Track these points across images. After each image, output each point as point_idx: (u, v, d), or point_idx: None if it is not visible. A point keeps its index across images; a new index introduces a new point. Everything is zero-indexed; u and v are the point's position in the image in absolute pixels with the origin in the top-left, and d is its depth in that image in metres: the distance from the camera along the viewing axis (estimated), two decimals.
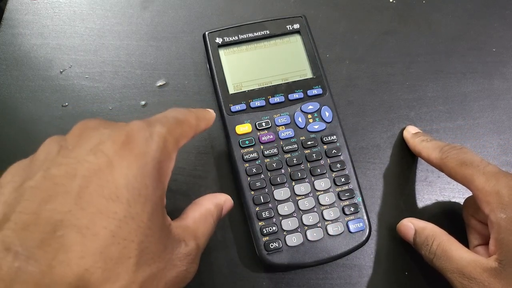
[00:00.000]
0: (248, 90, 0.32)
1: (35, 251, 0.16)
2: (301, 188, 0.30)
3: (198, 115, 0.25)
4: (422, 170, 0.34)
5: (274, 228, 0.29)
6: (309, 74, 0.33)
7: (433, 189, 0.33)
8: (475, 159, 0.26)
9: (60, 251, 0.16)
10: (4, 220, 0.17)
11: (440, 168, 0.29)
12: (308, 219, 0.29)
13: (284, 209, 0.29)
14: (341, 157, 0.31)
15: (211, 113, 0.27)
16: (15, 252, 0.15)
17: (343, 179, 0.30)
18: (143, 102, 0.35)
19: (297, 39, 0.34)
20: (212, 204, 0.25)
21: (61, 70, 0.36)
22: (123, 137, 0.20)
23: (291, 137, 0.31)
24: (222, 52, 0.33)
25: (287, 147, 0.31)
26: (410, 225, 0.29)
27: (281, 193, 0.29)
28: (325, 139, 0.31)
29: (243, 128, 0.31)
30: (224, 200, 0.26)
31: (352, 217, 0.29)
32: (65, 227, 0.16)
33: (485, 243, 0.27)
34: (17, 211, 0.17)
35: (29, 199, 0.17)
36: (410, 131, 0.33)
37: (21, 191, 0.18)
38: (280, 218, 0.29)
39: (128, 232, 0.17)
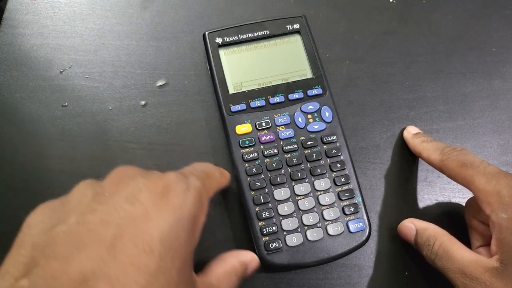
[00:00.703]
0: (248, 90, 0.32)
1: None
2: (301, 188, 0.30)
3: (221, 171, 0.27)
4: (422, 170, 0.34)
5: (274, 228, 0.29)
6: (309, 74, 0.33)
7: (433, 189, 0.33)
8: (476, 160, 0.26)
9: None
10: (33, 265, 0.16)
11: (441, 169, 0.29)
12: (308, 219, 0.29)
13: (284, 209, 0.29)
14: (341, 157, 0.31)
15: (227, 173, 0.29)
16: None
17: (343, 179, 0.30)
18: (143, 102, 0.35)
19: (297, 39, 0.34)
20: (237, 261, 0.25)
21: (61, 70, 0.36)
22: (160, 187, 0.19)
23: (291, 137, 0.31)
24: (222, 52, 0.33)
25: (287, 147, 0.31)
26: (411, 226, 0.29)
27: (281, 193, 0.29)
28: (325, 139, 0.31)
29: (243, 128, 0.31)
30: (250, 259, 0.26)
31: (352, 217, 0.29)
32: (96, 277, 0.16)
33: (487, 244, 0.27)
34: (47, 256, 0.16)
35: (60, 244, 0.17)
36: (411, 132, 0.33)
37: (51, 235, 0.17)
38: (280, 218, 0.29)
39: (158, 285, 0.17)
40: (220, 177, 0.26)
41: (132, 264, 0.16)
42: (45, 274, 0.16)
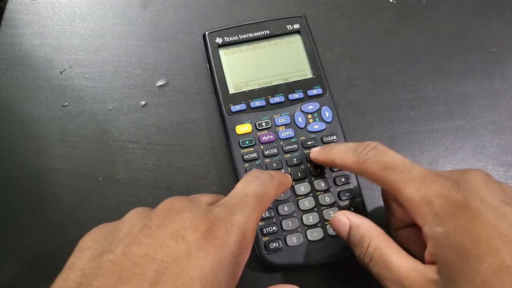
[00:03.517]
0: (248, 90, 0.32)
1: None
2: (301, 188, 0.30)
3: (279, 183, 0.25)
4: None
5: (274, 228, 0.29)
6: (309, 74, 0.33)
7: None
8: (397, 161, 0.23)
9: None
10: None
11: (360, 173, 0.25)
12: (308, 219, 0.29)
13: (284, 209, 0.29)
14: None
15: (290, 179, 0.27)
16: None
17: (343, 179, 0.30)
18: (143, 102, 0.35)
19: (297, 39, 0.34)
20: None
21: (61, 70, 0.36)
22: (205, 226, 0.19)
23: (291, 137, 0.31)
24: (222, 52, 0.33)
25: (287, 147, 0.31)
26: (344, 220, 0.25)
27: (281, 193, 0.29)
28: (325, 139, 0.31)
29: (243, 128, 0.31)
30: None
31: None
32: None
33: (407, 226, 0.26)
34: (93, 285, 0.17)
35: (106, 274, 0.17)
36: (315, 150, 0.30)
37: (99, 263, 0.18)
38: (280, 218, 0.29)
39: None
40: (275, 192, 0.24)
41: None
42: None
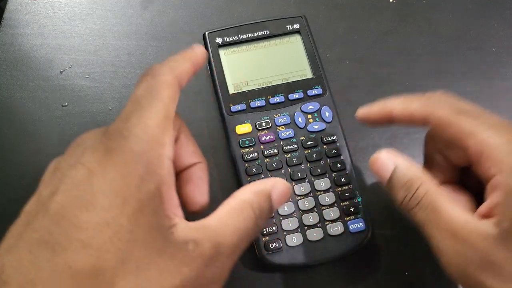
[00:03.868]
0: (248, 90, 0.32)
1: (10, 271, 0.16)
2: (301, 188, 0.30)
3: (172, 65, 0.22)
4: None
5: (274, 228, 0.29)
6: (309, 74, 0.33)
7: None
8: (472, 107, 0.21)
9: (31, 270, 0.16)
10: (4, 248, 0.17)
11: (427, 121, 0.23)
12: (308, 219, 0.29)
13: (284, 209, 0.29)
14: (341, 157, 0.31)
15: (198, 48, 0.23)
16: None
17: (343, 179, 0.30)
18: None
19: (297, 39, 0.34)
20: (251, 192, 0.20)
21: (61, 70, 0.36)
22: (102, 145, 0.18)
23: (291, 137, 0.31)
24: (222, 52, 0.33)
25: (287, 147, 0.31)
26: (390, 160, 0.23)
27: None
28: (325, 139, 0.31)
29: (243, 128, 0.31)
30: (271, 185, 0.21)
31: (352, 217, 0.29)
32: (38, 245, 0.16)
33: (447, 182, 0.24)
34: (7, 237, 0.17)
35: (19, 223, 0.18)
36: (362, 108, 0.27)
37: (17, 219, 0.18)
38: (280, 218, 0.29)
39: (102, 241, 0.16)
40: (173, 78, 0.21)
41: (73, 225, 0.16)
42: (3, 252, 0.17)
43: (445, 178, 0.25)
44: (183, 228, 0.18)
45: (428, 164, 0.26)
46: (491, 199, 0.20)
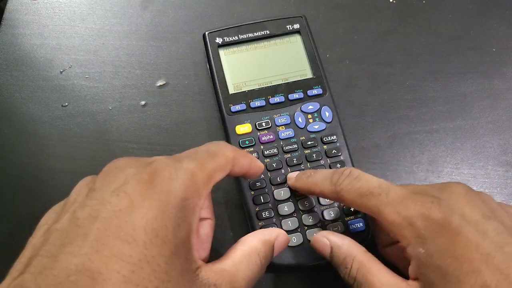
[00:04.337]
0: (248, 90, 0.32)
1: None
2: None
3: (237, 150, 0.24)
4: (422, 170, 0.34)
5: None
6: (309, 74, 0.33)
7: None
8: (373, 185, 0.23)
9: None
10: (28, 264, 0.17)
11: (339, 201, 0.26)
12: (308, 219, 0.29)
13: (284, 209, 0.29)
14: (341, 157, 0.31)
15: (257, 161, 0.26)
16: None
17: None
18: (143, 102, 0.35)
19: (297, 39, 0.34)
20: (259, 241, 0.23)
21: (61, 70, 0.36)
22: (147, 176, 0.19)
23: (291, 137, 0.31)
24: (222, 52, 0.33)
25: (287, 147, 0.31)
26: (325, 241, 0.25)
27: (281, 193, 0.29)
28: (325, 139, 0.31)
29: (243, 128, 0.31)
30: (275, 236, 0.24)
31: (352, 217, 0.29)
32: (78, 271, 0.16)
33: (394, 244, 0.26)
34: (39, 255, 0.17)
35: (52, 243, 0.17)
36: (292, 177, 0.29)
37: (47, 235, 0.18)
38: (280, 218, 0.29)
39: (142, 278, 0.17)
40: (233, 154, 0.23)
41: (115, 255, 0.16)
42: (34, 270, 0.16)
43: (391, 240, 0.26)
44: (206, 271, 0.20)
45: (375, 230, 0.27)
46: (411, 267, 0.21)
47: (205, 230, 0.24)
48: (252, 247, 0.22)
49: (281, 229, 0.25)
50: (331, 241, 0.25)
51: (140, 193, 0.18)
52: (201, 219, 0.24)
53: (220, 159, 0.22)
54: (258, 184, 0.29)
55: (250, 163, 0.25)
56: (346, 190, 0.24)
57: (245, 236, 0.23)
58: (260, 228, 0.28)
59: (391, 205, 0.22)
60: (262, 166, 0.27)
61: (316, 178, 0.26)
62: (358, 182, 0.24)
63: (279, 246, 0.24)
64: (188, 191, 0.19)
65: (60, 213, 0.19)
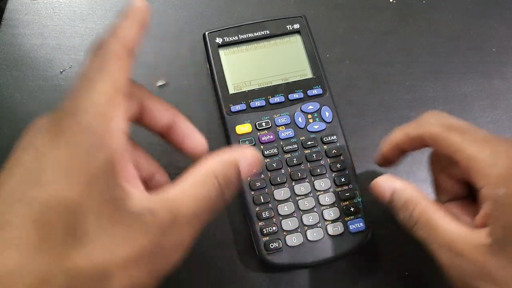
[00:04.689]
0: (248, 90, 0.32)
1: None
2: (301, 188, 0.30)
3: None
4: (422, 170, 0.34)
5: (274, 228, 0.29)
6: (309, 74, 0.33)
7: (433, 189, 0.33)
8: (461, 122, 0.23)
9: None
10: None
11: (423, 140, 0.24)
12: (308, 219, 0.29)
13: (284, 209, 0.29)
14: (341, 157, 0.31)
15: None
16: None
17: (343, 179, 0.30)
18: None
19: (297, 39, 0.34)
20: (217, 162, 0.20)
21: (61, 70, 0.36)
22: (52, 126, 0.18)
23: (291, 137, 0.31)
24: (222, 52, 0.33)
25: (287, 147, 0.31)
26: (388, 184, 0.25)
27: (281, 193, 0.29)
28: (325, 139, 0.31)
29: (243, 128, 0.31)
30: (239, 154, 0.21)
31: (352, 217, 0.29)
32: None
33: (455, 199, 0.25)
34: None
35: None
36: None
37: None
38: (280, 218, 0.29)
39: (51, 215, 0.16)
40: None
41: (21, 201, 0.16)
42: None
43: (452, 194, 0.26)
44: (139, 198, 0.18)
45: (436, 184, 0.27)
46: (483, 210, 0.21)
47: (182, 127, 0.23)
48: (207, 169, 0.19)
49: (248, 147, 0.22)
50: (394, 184, 0.25)
51: (48, 142, 0.17)
52: (170, 123, 0.23)
53: (110, 64, 0.19)
54: (258, 184, 0.29)
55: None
56: (432, 122, 0.24)
57: (201, 162, 0.20)
58: (261, 228, 0.28)
59: (477, 142, 0.21)
60: (145, 4, 0.20)
61: (399, 129, 0.26)
62: (447, 118, 0.24)
63: (247, 165, 0.21)
64: (92, 117, 0.17)
65: None
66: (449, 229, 0.21)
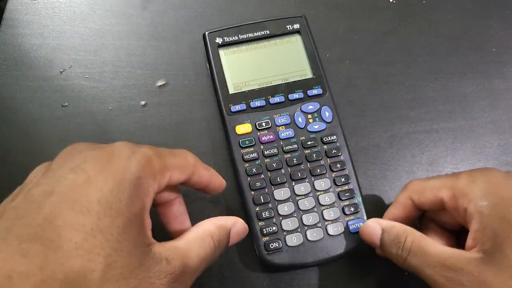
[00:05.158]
0: (248, 90, 0.32)
1: None
2: (301, 188, 0.30)
3: (201, 162, 0.25)
4: (422, 170, 0.34)
5: (274, 228, 0.29)
6: (309, 74, 0.33)
7: None
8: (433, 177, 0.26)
9: (20, 263, 0.16)
10: None
11: (412, 204, 0.27)
12: (308, 219, 0.29)
13: (284, 209, 0.29)
14: (341, 157, 0.31)
15: (220, 177, 0.27)
16: None
17: (343, 179, 0.30)
18: (143, 102, 0.35)
19: (297, 39, 0.34)
20: (214, 225, 0.24)
21: (61, 70, 0.36)
22: (105, 155, 0.20)
23: (291, 137, 0.31)
24: (222, 52, 0.33)
25: (287, 147, 0.31)
26: (376, 225, 0.26)
27: (281, 193, 0.29)
28: (325, 139, 0.31)
29: (243, 128, 0.31)
30: (232, 223, 0.25)
31: (352, 217, 0.29)
32: (30, 239, 0.17)
33: (447, 244, 0.26)
34: None
35: (6, 218, 0.18)
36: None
37: (1, 213, 0.18)
38: (280, 218, 0.29)
39: (94, 245, 0.17)
40: (194, 162, 0.24)
41: (68, 225, 0.17)
42: None
43: (445, 241, 0.27)
44: (159, 246, 0.20)
45: (427, 234, 0.28)
46: (471, 229, 0.23)
47: (178, 208, 0.26)
48: (206, 229, 0.23)
49: (240, 218, 0.25)
50: (381, 224, 0.26)
51: (97, 170, 0.19)
52: (171, 201, 0.25)
53: (180, 159, 0.23)
54: (258, 184, 0.29)
55: (211, 176, 0.26)
56: (413, 188, 0.27)
57: (201, 222, 0.24)
58: (261, 228, 0.28)
59: (453, 176, 0.25)
60: (223, 182, 0.27)
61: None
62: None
63: (236, 233, 0.25)
64: (144, 171, 0.20)
65: (15, 195, 0.20)
66: (441, 250, 0.23)
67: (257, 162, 0.30)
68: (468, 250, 0.22)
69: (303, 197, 0.29)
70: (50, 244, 0.17)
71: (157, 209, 0.26)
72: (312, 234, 0.29)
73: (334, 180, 0.30)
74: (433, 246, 0.23)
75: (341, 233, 0.29)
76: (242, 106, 0.32)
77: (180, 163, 0.23)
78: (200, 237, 0.23)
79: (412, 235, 0.24)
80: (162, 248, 0.20)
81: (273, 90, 0.32)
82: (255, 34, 0.34)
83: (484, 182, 0.23)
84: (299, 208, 0.29)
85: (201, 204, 0.31)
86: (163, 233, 0.24)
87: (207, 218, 0.30)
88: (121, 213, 0.19)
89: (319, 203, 0.29)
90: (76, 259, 0.17)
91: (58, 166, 0.20)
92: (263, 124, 0.31)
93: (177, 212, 0.26)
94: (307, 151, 0.31)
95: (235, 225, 0.25)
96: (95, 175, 0.19)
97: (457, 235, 0.27)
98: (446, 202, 0.25)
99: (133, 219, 0.19)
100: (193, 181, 0.25)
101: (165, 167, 0.22)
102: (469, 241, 0.23)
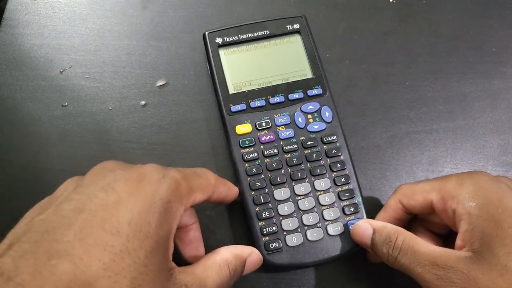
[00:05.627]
0: (248, 90, 0.32)
1: (25, 277, 0.16)
2: (301, 188, 0.30)
3: (219, 178, 0.26)
4: (422, 170, 0.34)
5: (274, 228, 0.29)
6: (309, 74, 0.33)
7: None
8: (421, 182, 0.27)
9: (49, 279, 0.16)
10: (7, 249, 0.17)
11: (402, 207, 0.28)
12: (308, 219, 0.29)
13: (284, 209, 0.29)
14: (341, 157, 0.31)
15: (233, 186, 0.28)
16: (8, 277, 0.16)
17: (343, 179, 0.30)
18: (143, 102, 0.35)
19: (297, 39, 0.34)
20: (231, 254, 0.24)
21: (61, 70, 0.36)
22: (136, 176, 0.20)
23: (291, 137, 0.31)
24: (222, 52, 0.33)
25: (287, 147, 0.31)
26: (367, 225, 0.27)
27: (281, 193, 0.29)
28: (325, 139, 0.31)
29: (243, 128, 0.31)
30: (248, 253, 0.25)
31: (352, 217, 0.29)
32: (59, 256, 0.17)
33: (438, 244, 0.27)
34: (21, 241, 0.18)
35: (35, 230, 0.18)
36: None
37: (30, 225, 0.18)
38: (280, 218, 0.29)
39: (121, 267, 0.18)
40: (215, 182, 0.25)
41: (98, 244, 0.17)
42: (15, 254, 0.17)
43: (435, 242, 0.28)
44: (179, 272, 0.21)
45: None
46: (460, 230, 0.23)
47: (194, 233, 0.26)
48: (224, 257, 0.24)
49: (255, 249, 0.26)
50: (373, 224, 0.27)
51: (128, 191, 0.19)
52: (188, 226, 0.26)
53: (203, 180, 0.24)
54: (258, 184, 0.29)
55: (228, 191, 0.27)
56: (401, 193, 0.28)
57: (218, 248, 0.25)
58: (261, 228, 0.28)
59: (442, 179, 0.26)
60: (237, 192, 0.28)
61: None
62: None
63: (251, 263, 0.25)
64: (173, 195, 0.21)
65: (44, 207, 0.20)
66: (432, 248, 0.23)
67: (257, 162, 0.30)
68: (458, 249, 0.23)
69: (303, 197, 0.29)
70: (79, 263, 0.17)
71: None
72: (312, 234, 0.29)
73: (334, 180, 0.30)
74: (423, 245, 0.24)
75: (341, 233, 0.29)
76: (242, 106, 0.32)
77: (203, 184, 0.24)
78: (218, 265, 0.23)
79: (403, 234, 0.25)
80: (183, 274, 0.21)
81: (273, 90, 0.32)
82: (255, 34, 0.34)
83: (472, 185, 0.24)
84: (299, 208, 0.29)
85: (201, 204, 0.31)
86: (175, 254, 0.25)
87: (207, 218, 0.30)
88: (150, 236, 0.19)
89: (319, 203, 0.29)
90: (103, 280, 0.17)
91: (89, 183, 0.20)
92: (263, 124, 0.31)
93: (193, 237, 0.26)
94: (307, 151, 0.31)
95: (251, 255, 0.25)
96: (126, 196, 0.19)
97: (445, 239, 0.28)
98: (435, 205, 0.25)
99: (160, 242, 0.20)
100: (212, 199, 0.25)
101: (191, 190, 0.23)
102: (458, 242, 0.23)
